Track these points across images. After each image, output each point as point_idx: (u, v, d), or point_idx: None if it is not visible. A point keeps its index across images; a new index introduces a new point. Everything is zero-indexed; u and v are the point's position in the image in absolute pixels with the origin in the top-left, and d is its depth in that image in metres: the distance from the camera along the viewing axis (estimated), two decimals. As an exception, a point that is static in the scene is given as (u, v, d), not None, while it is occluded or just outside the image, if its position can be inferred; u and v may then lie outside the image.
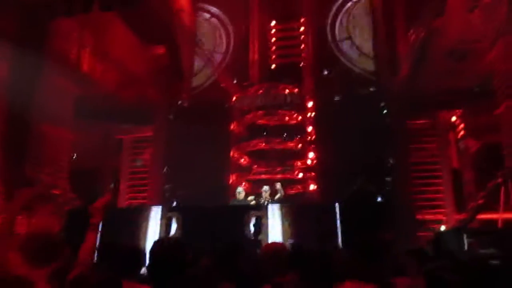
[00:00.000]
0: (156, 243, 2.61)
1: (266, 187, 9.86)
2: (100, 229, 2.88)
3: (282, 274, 2.89)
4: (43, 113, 11.71)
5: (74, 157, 13.39)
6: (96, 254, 2.85)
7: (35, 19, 10.82)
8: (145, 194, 14.60)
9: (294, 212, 7.79)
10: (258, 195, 10.33)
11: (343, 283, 2.70)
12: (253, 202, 9.78)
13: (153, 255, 2.53)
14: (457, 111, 13.81)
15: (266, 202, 9.38)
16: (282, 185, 10.38)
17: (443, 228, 12.12)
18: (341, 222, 7.40)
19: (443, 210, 13.20)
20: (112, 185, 15.57)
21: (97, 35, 13.17)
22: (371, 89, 13.44)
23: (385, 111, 13.09)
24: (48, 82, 11.94)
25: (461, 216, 12.74)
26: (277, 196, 9.84)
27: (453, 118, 14.07)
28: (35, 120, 11.42)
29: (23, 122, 11.06)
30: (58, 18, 11.27)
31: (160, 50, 15.92)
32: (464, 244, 8.79)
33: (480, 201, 12.04)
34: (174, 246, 2.58)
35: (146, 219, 8.05)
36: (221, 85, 14.79)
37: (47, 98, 11.95)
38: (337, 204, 7.66)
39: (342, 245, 6.95)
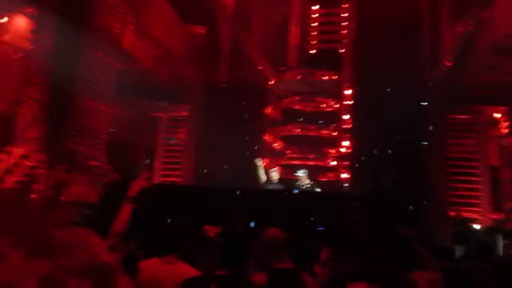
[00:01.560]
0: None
1: (301, 171, 9.81)
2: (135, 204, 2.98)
3: (278, 260, 2.99)
4: (85, 86, 12.07)
5: (112, 130, 13.75)
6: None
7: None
8: (179, 173, 14.87)
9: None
10: (291, 180, 10.36)
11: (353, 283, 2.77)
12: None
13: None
14: (502, 107, 13.35)
15: (304, 186, 9.41)
16: (314, 172, 10.37)
17: (476, 226, 11.87)
18: (371, 214, 7.36)
19: (478, 208, 12.89)
20: (147, 161, 15.93)
21: (139, 12, 13.34)
22: (413, 80, 13.11)
23: (425, 103, 12.80)
24: (91, 56, 12.26)
25: (497, 216, 12.45)
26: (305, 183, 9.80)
27: (497, 115, 13.61)
28: (76, 92, 11.78)
29: (65, 94, 11.41)
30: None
31: (200, 29, 16.00)
32: (498, 245, 8.63)
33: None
34: None
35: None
36: (259, 67, 14.75)
37: (90, 71, 12.29)
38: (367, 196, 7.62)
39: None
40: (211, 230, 3.26)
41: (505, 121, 13.19)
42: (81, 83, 11.90)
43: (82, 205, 10.09)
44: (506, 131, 13.09)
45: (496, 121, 13.61)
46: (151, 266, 3.14)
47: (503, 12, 10.42)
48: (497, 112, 13.56)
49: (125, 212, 2.86)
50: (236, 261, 2.80)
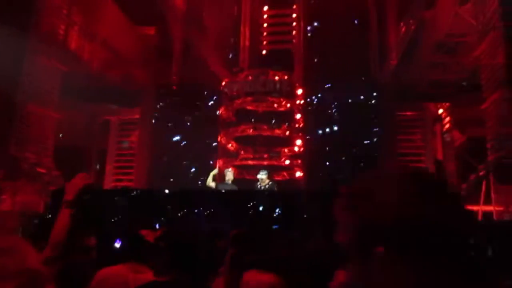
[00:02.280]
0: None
1: (263, 172, 9.80)
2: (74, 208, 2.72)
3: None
4: (28, 91, 11.56)
5: (60, 136, 13.26)
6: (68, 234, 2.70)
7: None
8: (131, 177, 14.56)
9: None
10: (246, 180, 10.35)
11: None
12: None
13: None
14: (444, 104, 13.96)
15: (263, 187, 9.41)
16: (268, 172, 10.40)
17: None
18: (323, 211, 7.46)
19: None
20: (97, 166, 15.49)
21: (86, 13, 12.96)
22: (361, 78, 13.48)
23: (373, 101, 13.19)
24: (35, 60, 11.77)
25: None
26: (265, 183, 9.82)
27: (440, 111, 14.23)
28: (20, 98, 11.27)
29: (8, 101, 10.90)
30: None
31: (150, 30, 15.74)
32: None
33: (462, 193, 12.27)
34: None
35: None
36: (211, 69, 14.68)
37: (33, 76, 11.78)
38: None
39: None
40: (149, 235, 3.14)
41: (448, 116, 13.81)
42: (24, 87, 11.38)
43: (28, 214, 9.65)
44: (448, 126, 13.71)
45: (440, 117, 14.22)
46: (118, 273, 3.00)
47: (445, 12, 10.89)
48: (441, 108, 14.17)
49: (63, 218, 2.57)
50: (184, 266, 2.67)
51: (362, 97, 13.19)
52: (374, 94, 13.37)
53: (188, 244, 2.68)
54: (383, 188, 0.93)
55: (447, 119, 13.85)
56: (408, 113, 14.24)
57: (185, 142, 13.30)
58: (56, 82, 12.61)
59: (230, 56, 15.10)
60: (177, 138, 13.40)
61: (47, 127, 12.38)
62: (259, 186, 9.61)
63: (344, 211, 0.97)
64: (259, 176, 9.65)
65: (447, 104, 13.82)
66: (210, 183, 9.84)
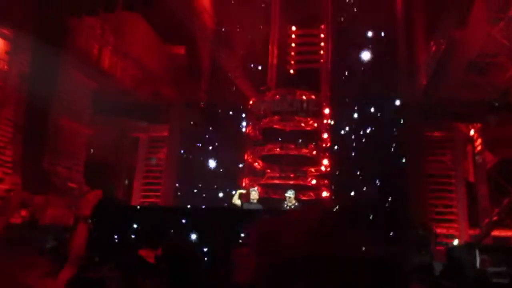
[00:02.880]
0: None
1: (290, 192, 9.75)
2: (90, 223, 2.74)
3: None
4: (62, 107, 11.94)
5: (90, 151, 13.57)
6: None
7: (57, 16, 11.01)
8: (158, 193, 14.71)
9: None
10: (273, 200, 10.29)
11: None
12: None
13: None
14: (476, 124, 13.62)
15: (290, 206, 9.34)
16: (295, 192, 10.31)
17: (455, 242, 11.96)
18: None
19: (456, 224, 13.02)
20: (126, 182, 15.74)
21: (118, 33, 13.35)
22: (389, 98, 13.33)
23: (402, 121, 13.00)
24: (69, 77, 12.16)
25: (475, 232, 12.58)
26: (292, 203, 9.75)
27: (471, 132, 13.88)
28: (54, 113, 11.64)
29: (42, 116, 11.26)
30: (81, 16, 11.44)
31: (180, 49, 16.06)
32: (476, 261, 8.69)
33: (495, 218, 11.88)
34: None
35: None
36: (238, 87, 14.84)
37: (67, 92, 12.18)
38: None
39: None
40: (148, 255, 3.08)
41: (480, 138, 13.45)
42: (58, 103, 11.76)
43: (58, 228, 9.84)
44: (480, 147, 13.34)
45: (471, 138, 13.87)
46: None
47: (476, 31, 10.72)
48: (472, 129, 13.83)
49: (81, 233, 2.60)
50: (182, 285, 2.60)
51: (390, 117, 13.02)
52: (403, 114, 13.17)
53: (186, 264, 2.62)
54: (284, 231, 0.95)
55: (479, 140, 13.49)
56: (438, 133, 13.94)
57: (212, 160, 13.38)
58: (88, 99, 12.99)
59: (258, 75, 15.22)
60: (204, 156, 13.50)
61: (78, 142, 12.71)
62: (285, 206, 9.53)
63: (249, 254, 1.00)
64: (286, 195, 9.59)
65: (479, 124, 13.49)
66: (236, 201, 9.83)
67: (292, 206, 9.47)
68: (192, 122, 14.27)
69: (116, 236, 7.47)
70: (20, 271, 2.24)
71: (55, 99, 11.66)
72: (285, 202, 9.59)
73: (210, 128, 13.83)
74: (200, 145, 13.55)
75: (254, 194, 9.73)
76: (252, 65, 15.48)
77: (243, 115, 14.09)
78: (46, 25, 10.80)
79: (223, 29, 15.77)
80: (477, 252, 8.94)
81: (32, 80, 10.81)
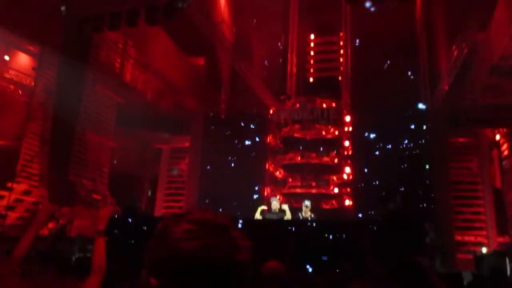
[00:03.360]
0: None
1: (307, 202, 9.68)
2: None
3: None
4: (87, 120, 12.23)
5: (115, 163, 13.81)
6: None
7: (81, 31, 11.32)
8: (181, 204, 14.83)
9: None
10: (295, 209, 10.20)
11: None
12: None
13: None
14: (502, 129, 13.32)
15: (307, 217, 9.25)
16: (316, 201, 10.26)
17: (484, 250, 11.66)
18: (377, 241, 7.21)
19: (484, 232, 12.71)
20: (149, 193, 15.94)
21: (140, 46, 13.62)
22: (412, 105, 13.16)
23: (425, 127, 12.81)
24: (93, 90, 12.47)
25: (504, 239, 12.25)
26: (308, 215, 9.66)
27: (497, 137, 13.58)
28: (79, 127, 11.92)
29: (67, 129, 11.55)
30: (104, 30, 11.72)
31: (200, 60, 16.27)
32: (506, 269, 8.46)
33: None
34: None
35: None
36: (258, 97, 14.89)
37: (91, 106, 12.48)
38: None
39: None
40: None
41: (506, 142, 13.14)
42: (82, 117, 12.06)
43: (84, 239, 10.01)
44: (507, 152, 13.02)
45: (498, 143, 13.57)
46: None
47: (499, 34, 10.52)
48: (498, 134, 13.53)
49: (99, 246, 2.71)
50: None
51: (413, 123, 12.84)
52: (426, 120, 12.97)
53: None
54: (163, 229, 0.98)
55: (505, 145, 13.18)
56: (463, 139, 13.68)
57: (233, 169, 13.43)
58: (112, 112, 13.26)
59: (278, 84, 15.25)
60: (225, 166, 13.56)
61: (103, 155, 12.97)
62: (300, 216, 9.46)
63: None
64: (303, 204, 9.53)
65: (505, 129, 13.18)
66: (258, 217, 9.78)
67: (308, 217, 9.37)
68: (212, 132, 14.38)
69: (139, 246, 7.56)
70: (48, 283, 2.31)
71: (80, 113, 11.96)
72: (300, 213, 9.51)
73: (231, 138, 13.89)
74: (222, 155, 13.62)
75: (275, 204, 9.66)
76: (271, 74, 15.51)
77: (264, 125, 14.10)
78: (70, 41, 11.12)
79: (242, 39, 15.89)
80: (507, 260, 8.71)
81: (58, 94, 11.12)
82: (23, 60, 10.88)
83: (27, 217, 10.33)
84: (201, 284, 0.92)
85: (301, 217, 9.17)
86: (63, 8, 10.74)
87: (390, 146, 12.41)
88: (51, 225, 9.58)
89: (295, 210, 10.28)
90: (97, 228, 2.71)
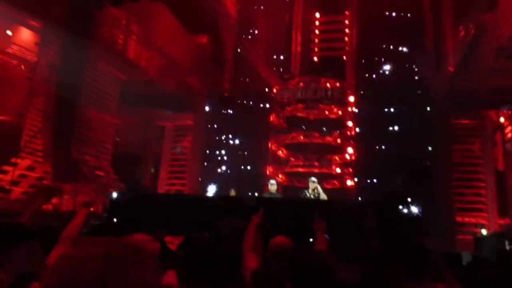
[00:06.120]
0: None
1: (313, 178, 9.65)
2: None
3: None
4: (89, 96, 12.20)
5: (117, 140, 13.84)
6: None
7: (84, 7, 11.19)
8: (184, 181, 14.92)
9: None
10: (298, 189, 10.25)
11: None
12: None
13: None
14: (506, 111, 13.25)
15: (313, 195, 9.26)
16: (319, 180, 10.24)
17: (484, 232, 11.74)
18: (378, 222, 7.24)
19: (485, 213, 12.78)
20: (152, 170, 16.01)
21: (143, 23, 13.48)
22: (416, 85, 13.07)
23: (428, 108, 12.74)
24: (96, 67, 12.41)
25: (504, 221, 12.32)
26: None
27: (501, 119, 13.51)
28: (82, 103, 11.90)
29: (71, 106, 11.53)
30: (106, 7, 11.60)
31: (203, 38, 16.12)
32: (506, 251, 8.53)
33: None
34: None
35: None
36: (262, 76, 14.81)
37: (94, 82, 12.43)
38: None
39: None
40: (172, 242, 3.06)
41: (510, 125, 13.08)
42: (85, 94, 12.03)
43: (88, 214, 10.05)
44: (511, 135, 12.98)
45: (502, 125, 13.51)
46: None
47: (507, 15, 10.36)
48: (502, 117, 13.46)
49: (78, 218, 2.74)
50: (201, 275, 2.55)
51: (417, 104, 12.78)
52: (430, 101, 12.90)
53: (206, 253, 2.59)
54: None
55: (509, 127, 13.13)
56: (466, 121, 13.63)
57: (236, 148, 13.46)
58: (115, 89, 13.22)
59: (282, 63, 15.14)
60: (228, 144, 13.59)
61: (106, 132, 12.98)
62: (306, 194, 9.47)
63: None
64: (310, 180, 9.52)
65: (510, 111, 13.11)
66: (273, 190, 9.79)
67: (317, 194, 9.38)
68: (215, 111, 14.37)
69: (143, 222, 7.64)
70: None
71: (83, 90, 11.92)
72: (306, 191, 9.49)
73: (234, 117, 13.88)
74: (224, 133, 13.64)
75: (273, 186, 9.67)
76: (275, 53, 15.38)
77: (267, 103, 14.04)
78: (73, 17, 11.00)
79: (246, 17, 15.72)
80: (506, 242, 8.77)
81: (61, 71, 11.07)
82: (26, 35, 10.77)
83: (32, 192, 10.41)
84: None
85: (308, 195, 9.19)
86: (65, -17, 10.60)
87: (393, 127, 12.37)
88: (55, 200, 9.67)
89: (298, 189, 10.32)
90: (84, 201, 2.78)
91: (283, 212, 7.39)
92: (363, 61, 14.05)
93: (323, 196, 9.57)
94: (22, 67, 10.73)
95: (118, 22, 12.80)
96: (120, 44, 12.94)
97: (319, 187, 9.68)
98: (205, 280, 2.40)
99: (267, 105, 13.98)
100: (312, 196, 9.34)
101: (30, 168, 10.65)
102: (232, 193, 10.48)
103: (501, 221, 12.36)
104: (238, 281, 2.85)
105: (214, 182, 13.39)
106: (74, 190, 11.11)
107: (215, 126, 14.13)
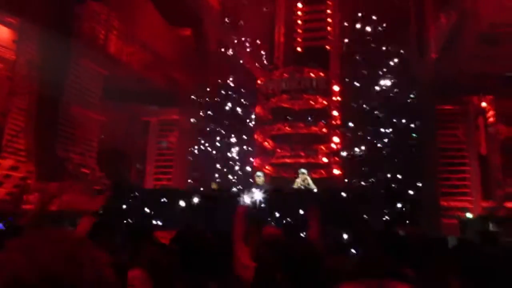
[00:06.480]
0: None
1: (303, 169, 9.71)
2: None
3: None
4: (72, 93, 12.03)
5: (102, 137, 13.72)
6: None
7: (62, 2, 11.00)
8: (170, 176, 14.87)
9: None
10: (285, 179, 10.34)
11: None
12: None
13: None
14: (488, 96, 13.44)
15: (306, 185, 9.35)
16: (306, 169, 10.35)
17: (469, 215, 11.93)
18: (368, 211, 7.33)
19: (469, 197, 12.99)
20: (138, 166, 15.92)
21: (124, 17, 13.32)
22: (400, 72, 13.15)
23: (412, 95, 12.85)
24: (78, 63, 12.23)
25: (488, 204, 12.54)
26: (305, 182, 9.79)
27: (483, 104, 13.70)
28: (65, 100, 11.74)
29: (53, 103, 11.36)
30: (86, 1, 11.42)
31: (186, 31, 15.99)
32: (488, 232, 8.68)
33: (509, 189, 11.82)
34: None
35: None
36: (246, 67, 14.76)
37: (76, 79, 12.26)
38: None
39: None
40: (164, 237, 3.06)
41: (492, 109, 13.29)
42: (68, 91, 11.86)
43: (74, 213, 10.01)
44: (493, 119, 13.19)
45: (484, 110, 13.70)
46: None
47: (488, 1, 10.44)
48: (484, 101, 13.65)
49: (84, 224, 2.74)
50: (194, 268, 2.52)
51: (401, 91, 12.87)
52: (414, 88, 13.01)
53: (199, 247, 2.60)
54: None
55: (491, 111, 13.34)
56: (450, 107, 13.80)
57: (222, 141, 13.43)
58: (98, 85, 13.06)
59: (265, 54, 15.09)
60: (214, 138, 13.56)
61: (90, 128, 12.85)
62: (297, 185, 9.54)
63: None
64: (300, 172, 9.60)
65: (491, 96, 13.30)
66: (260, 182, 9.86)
67: (306, 185, 9.45)
68: (201, 104, 14.30)
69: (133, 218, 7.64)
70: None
71: (66, 86, 11.75)
72: (297, 182, 9.57)
73: (220, 109, 13.83)
74: (210, 126, 13.60)
75: (259, 178, 9.77)
76: (259, 44, 15.32)
77: (252, 95, 14.01)
78: (52, 12, 10.81)
79: (229, 9, 15.62)
80: (490, 224, 8.94)
81: (41, 68, 10.89)
82: (3, 33, 10.53)
83: (16, 192, 10.29)
84: None
85: (297, 186, 9.29)
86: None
87: (378, 114, 12.45)
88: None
89: (285, 180, 10.40)
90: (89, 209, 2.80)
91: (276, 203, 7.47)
92: (346, 49, 14.07)
93: (312, 186, 9.69)
94: (1, 65, 10.53)
95: (99, 17, 12.61)
96: (101, 39, 12.76)
97: (308, 178, 9.81)
98: (198, 271, 2.42)
99: (252, 97, 13.94)
100: (302, 187, 9.46)
101: (13, 168, 10.50)
102: (214, 185, 10.55)
103: (485, 204, 12.58)
104: (230, 272, 2.87)
105: (201, 176, 13.39)
106: (60, 189, 11.00)
107: (200, 120, 14.09)
